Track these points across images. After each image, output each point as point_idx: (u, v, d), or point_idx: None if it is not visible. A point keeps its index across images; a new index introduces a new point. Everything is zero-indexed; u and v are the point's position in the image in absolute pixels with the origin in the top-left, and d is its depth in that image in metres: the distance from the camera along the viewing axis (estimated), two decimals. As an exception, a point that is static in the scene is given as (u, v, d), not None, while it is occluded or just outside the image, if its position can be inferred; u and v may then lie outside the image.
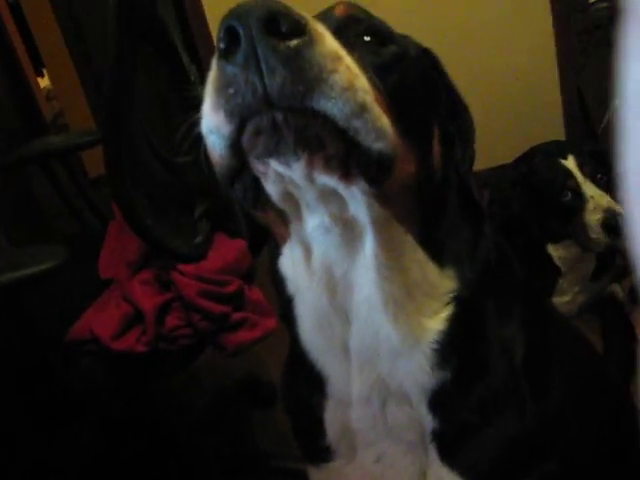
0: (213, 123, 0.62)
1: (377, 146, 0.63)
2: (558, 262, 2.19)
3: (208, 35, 3.05)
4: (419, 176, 0.75)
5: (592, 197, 2.00)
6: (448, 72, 0.89)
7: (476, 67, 3.13)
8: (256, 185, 0.69)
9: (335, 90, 0.58)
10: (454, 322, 0.81)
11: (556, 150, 2.17)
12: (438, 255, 0.81)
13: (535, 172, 2.15)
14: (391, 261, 0.77)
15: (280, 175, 0.66)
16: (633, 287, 2.24)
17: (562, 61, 3.33)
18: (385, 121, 0.64)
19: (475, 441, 0.85)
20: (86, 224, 2.04)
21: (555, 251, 2.19)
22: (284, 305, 0.87)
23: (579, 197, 2.03)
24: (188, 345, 1.55)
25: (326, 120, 0.59)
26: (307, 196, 0.70)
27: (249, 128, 0.60)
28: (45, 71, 5.99)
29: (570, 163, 2.08)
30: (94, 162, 3.90)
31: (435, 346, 0.81)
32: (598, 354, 1.36)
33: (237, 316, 1.56)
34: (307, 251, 0.79)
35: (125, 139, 1.40)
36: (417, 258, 0.79)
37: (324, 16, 0.76)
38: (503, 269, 0.92)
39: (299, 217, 0.75)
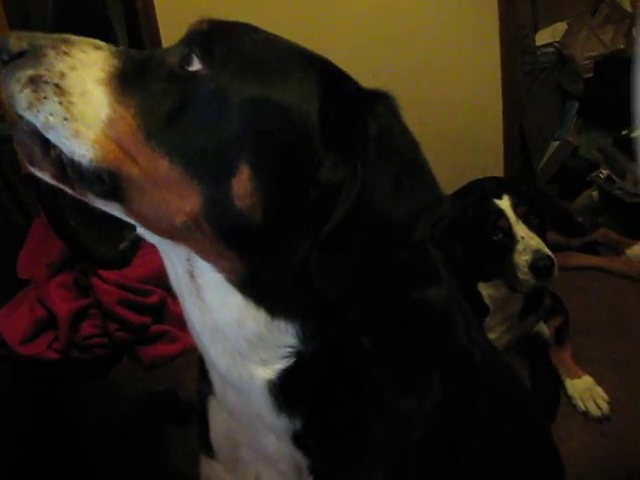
0: None
1: (77, 152, 0.69)
2: (487, 300, 2.20)
3: (157, 34, 2.98)
4: (211, 213, 0.72)
5: (522, 238, 2.03)
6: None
7: (422, 98, 3.15)
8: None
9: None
10: (289, 375, 0.79)
11: (492, 188, 2.19)
12: (266, 305, 0.76)
13: (468, 212, 2.16)
14: (201, 292, 0.79)
15: None
16: (559, 328, 2.27)
17: (507, 99, 3.40)
18: (81, 130, 0.69)
19: None
20: (9, 219, 1.96)
21: (485, 290, 2.20)
22: None
23: (510, 237, 2.05)
24: (103, 355, 1.49)
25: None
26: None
27: None
28: None
29: (504, 203, 2.10)
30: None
31: (270, 393, 0.80)
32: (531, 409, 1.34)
33: (156, 328, 1.50)
34: None
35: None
36: (233, 301, 0.77)
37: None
38: (414, 338, 0.86)
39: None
